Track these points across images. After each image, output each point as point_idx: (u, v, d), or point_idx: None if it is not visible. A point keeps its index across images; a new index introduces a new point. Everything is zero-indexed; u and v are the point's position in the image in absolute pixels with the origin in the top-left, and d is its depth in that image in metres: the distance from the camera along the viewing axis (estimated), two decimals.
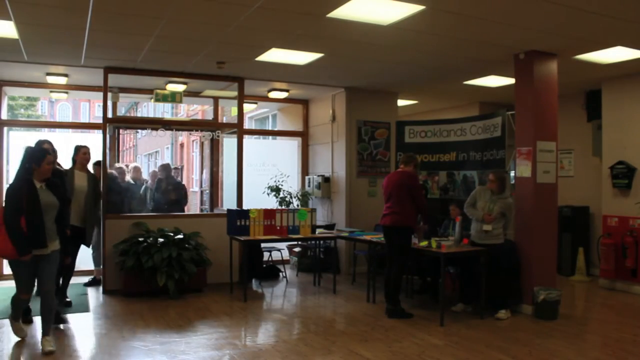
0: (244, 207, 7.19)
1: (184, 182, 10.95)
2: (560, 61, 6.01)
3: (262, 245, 7.59)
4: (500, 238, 5.65)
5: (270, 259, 8.07)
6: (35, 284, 4.53)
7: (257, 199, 8.06)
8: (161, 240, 6.50)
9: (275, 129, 10.82)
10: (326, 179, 8.62)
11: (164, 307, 5.90)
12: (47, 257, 4.34)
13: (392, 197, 5.69)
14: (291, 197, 8.70)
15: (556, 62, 6.00)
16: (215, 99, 8.52)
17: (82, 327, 5.22)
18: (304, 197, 8.83)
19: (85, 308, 5.85)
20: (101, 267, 6.91)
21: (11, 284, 6.93)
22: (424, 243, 5.65)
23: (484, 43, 5.56)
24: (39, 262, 4.30)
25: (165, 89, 7.59)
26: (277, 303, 6.58)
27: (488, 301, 5.63)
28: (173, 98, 7.62)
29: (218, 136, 7.99)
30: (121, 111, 11.32)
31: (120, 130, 7.98)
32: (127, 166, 8.03)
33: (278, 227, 6.67)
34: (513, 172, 6.25)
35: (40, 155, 4.32)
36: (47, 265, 4.36)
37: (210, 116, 9.19)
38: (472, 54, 6.00)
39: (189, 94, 8.11)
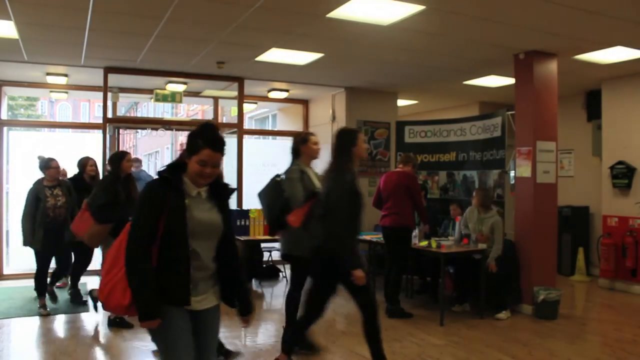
0: (244, 207, 7.19)
1: None
2: (560, 61, 6.00)
3: (262, 245, 7.59)
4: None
5: (270, 259, 8.07)
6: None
7: (257, 199, 8.03)
8: None
9: (275, 129, 10.82)
10: None
11: None
12: (205, 315, 2.40)
13: (391, 198, 5.69)
14: None
15: (556, 62, 5.99)
16: (215, 99, 8.53)
17: (83, 327, 5.22)
18: None
19: (86, 308, 5.85)
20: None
21: (11, 284, 6.97)
22: (424, 243, 5.65)
23: (484, 43, 5.56)
24: (193, 321, 2.37)
25: (165, 89, 7.60)
26: (277, 303, 6.58)
27: (488, 301, 5.64)
28: (173, 98, 7.63)
29: None
30: (121, 111, 11.32)
31: (120, 130, 7.98)
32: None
33: None
34: (513, 172, 6.26)
35: (208, 134, 2.31)
36: (206, 330, 2.44)
37: (210, 116, 9.20)
38: (472, 54, 6.00)
39: (189, 94, 8.12)
